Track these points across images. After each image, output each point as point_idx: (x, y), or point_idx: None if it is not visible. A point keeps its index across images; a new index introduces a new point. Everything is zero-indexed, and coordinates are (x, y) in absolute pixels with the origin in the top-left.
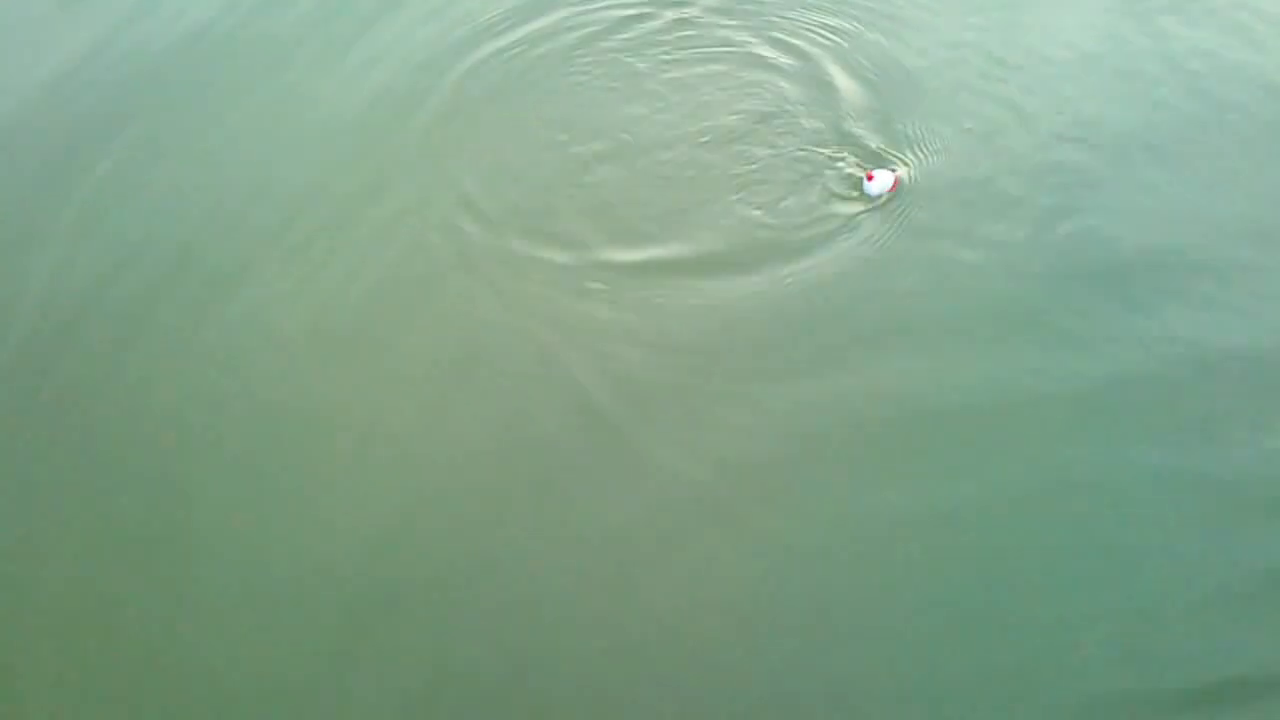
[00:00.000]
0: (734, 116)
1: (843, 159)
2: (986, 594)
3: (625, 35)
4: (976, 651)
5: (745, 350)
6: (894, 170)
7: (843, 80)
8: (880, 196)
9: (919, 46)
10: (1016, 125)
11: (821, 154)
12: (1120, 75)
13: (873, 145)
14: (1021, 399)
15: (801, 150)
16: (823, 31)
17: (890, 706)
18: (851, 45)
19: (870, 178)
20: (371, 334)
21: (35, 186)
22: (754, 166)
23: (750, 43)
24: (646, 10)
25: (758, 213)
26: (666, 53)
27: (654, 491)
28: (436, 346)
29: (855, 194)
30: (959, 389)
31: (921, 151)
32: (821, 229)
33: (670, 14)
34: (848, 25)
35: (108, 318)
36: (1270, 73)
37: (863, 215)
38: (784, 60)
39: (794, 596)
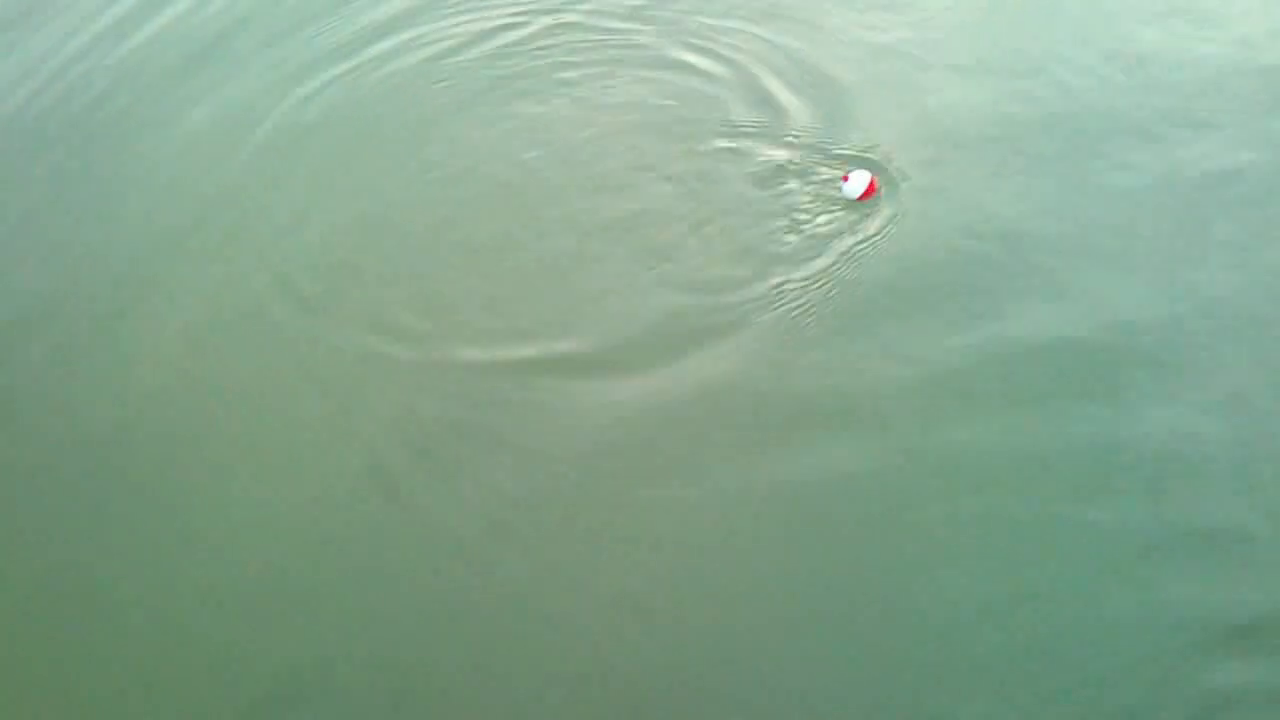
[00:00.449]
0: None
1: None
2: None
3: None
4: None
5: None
6: (869, 172)
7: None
8: (857, 198)
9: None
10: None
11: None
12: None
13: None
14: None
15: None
16: (733, 42)
17: None
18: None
19: (846, 179)
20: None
21: None
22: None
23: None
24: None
25: (660, 287)
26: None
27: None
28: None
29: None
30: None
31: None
32: (733, 302)
33: (549, 20)
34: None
35: None
36: None
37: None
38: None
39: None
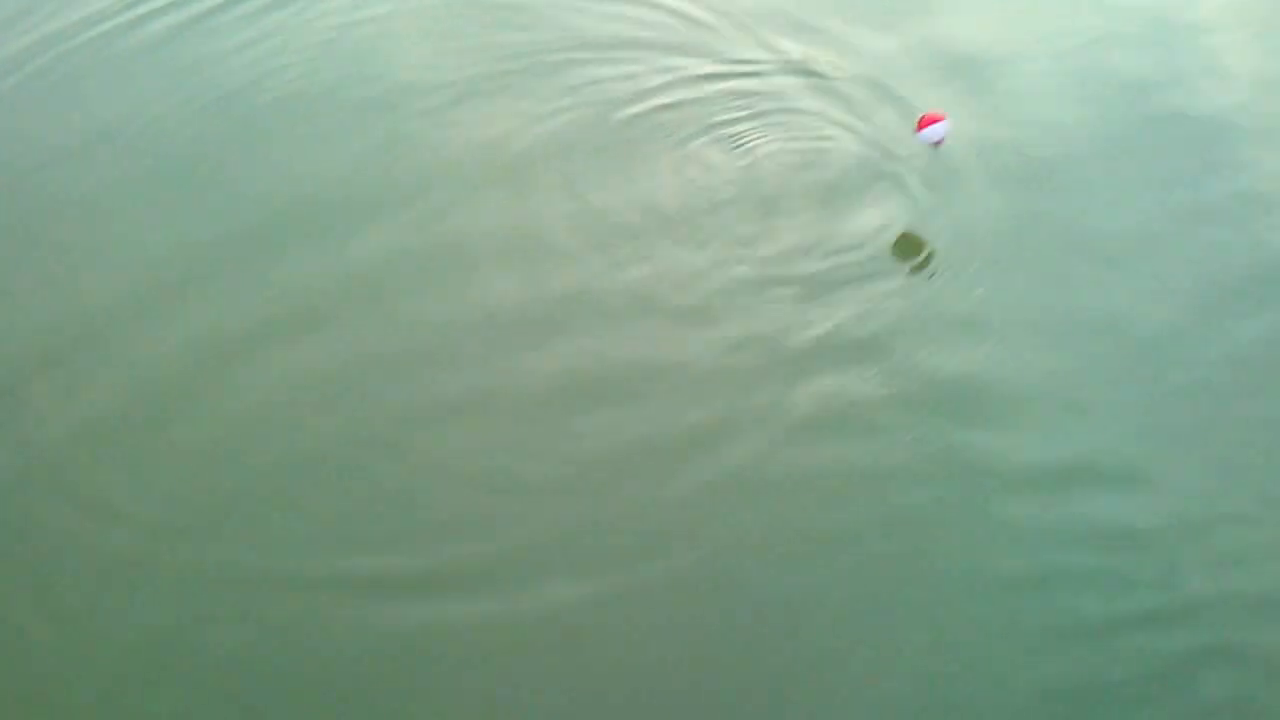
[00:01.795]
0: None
1: None
2: None
3: None
4: None
5: None
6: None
7: None
8: (935, 138)
9: None
10: None
11: None
12: None
13: None
14: None
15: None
16: None
17: None
18: None
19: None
20: None
21: None
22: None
23: None
24: None
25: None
26: None
27: None
28: None
29: None
30: None
31: None
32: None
33: None
34: None
35: None
36: None
37: None
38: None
39: None
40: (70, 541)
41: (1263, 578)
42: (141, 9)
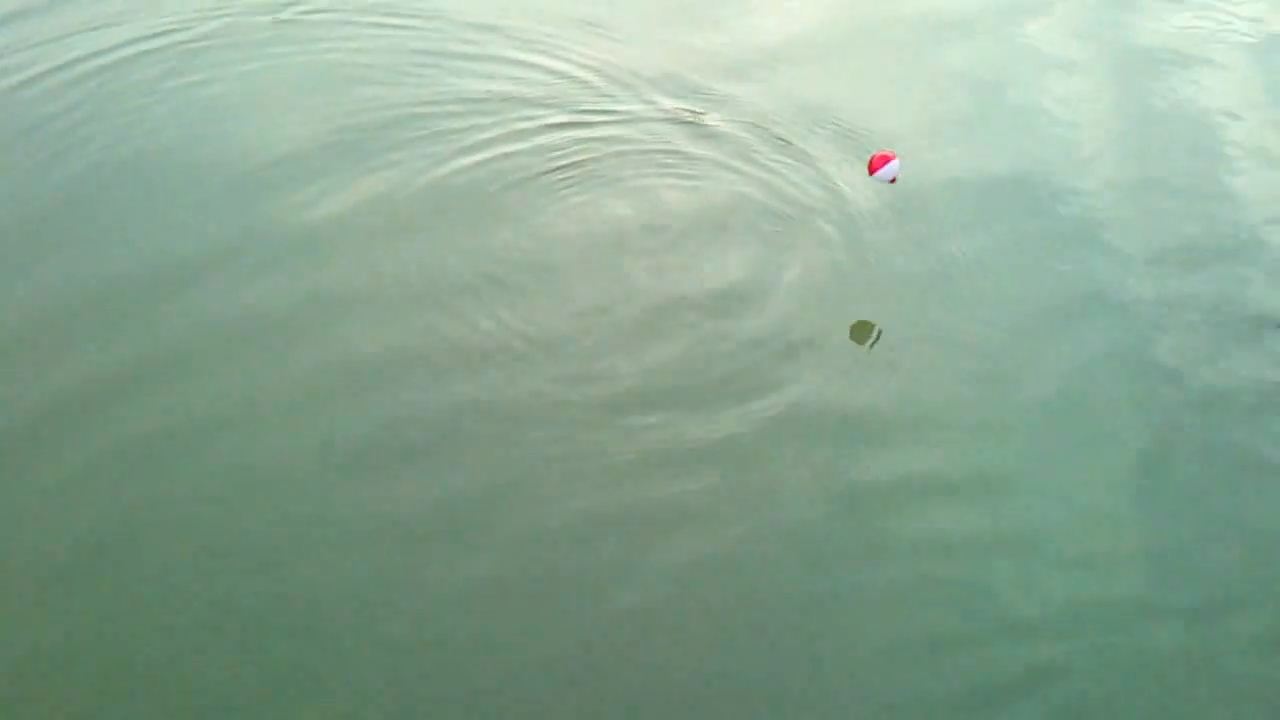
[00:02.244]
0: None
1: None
2: None
3: None
4: None
5: None
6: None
7: None
8: (887, 173)
9: None
10: None
11: None
12: None
13: None
14: None
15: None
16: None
17: None
18: None
19: (880, 168)
20: None
21: None
22: None
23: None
24: None
25: None
26: None
27: None
28: None
29: None
30: None
31: None
32: None
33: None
34: None
35: None
36: None
37: None
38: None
39: None
40: None
41: (1118, 581)
42: None
